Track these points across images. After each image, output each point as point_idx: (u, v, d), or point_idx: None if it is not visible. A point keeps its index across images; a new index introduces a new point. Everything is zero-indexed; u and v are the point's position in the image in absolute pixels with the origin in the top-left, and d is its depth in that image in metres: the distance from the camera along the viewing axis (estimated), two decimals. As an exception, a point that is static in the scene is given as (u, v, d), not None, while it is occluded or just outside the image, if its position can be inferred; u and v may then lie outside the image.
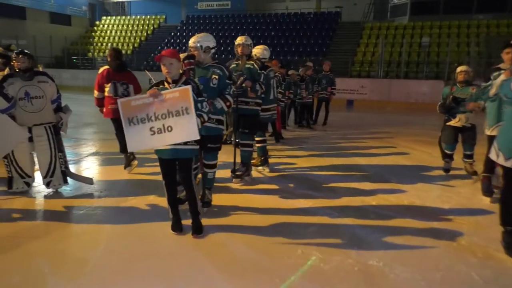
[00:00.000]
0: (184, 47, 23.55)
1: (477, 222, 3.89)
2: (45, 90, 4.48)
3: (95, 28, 27.14)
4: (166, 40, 24.44)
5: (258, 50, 5.51)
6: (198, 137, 3.36)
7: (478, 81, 5.68)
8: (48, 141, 4.51)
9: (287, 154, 6.71)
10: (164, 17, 27.23)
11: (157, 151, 3.55)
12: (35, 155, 4.62)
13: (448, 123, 5.51)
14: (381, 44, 18.15)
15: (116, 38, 25.81)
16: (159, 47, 23.94)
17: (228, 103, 3.96)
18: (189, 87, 3.31)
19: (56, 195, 4.59)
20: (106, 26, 27.18)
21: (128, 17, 27.87)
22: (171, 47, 23.72)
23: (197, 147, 3.54)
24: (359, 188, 4.92)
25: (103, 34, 26.40)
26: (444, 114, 5.60)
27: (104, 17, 28.08)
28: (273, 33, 23.39)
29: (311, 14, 25.00)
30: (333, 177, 5.42)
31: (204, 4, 29.07)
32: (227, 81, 3.99)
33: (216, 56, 21.51)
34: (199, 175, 4.44)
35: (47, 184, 4.59)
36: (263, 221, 3.85)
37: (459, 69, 5.56)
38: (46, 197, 4.52)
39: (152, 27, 26.32)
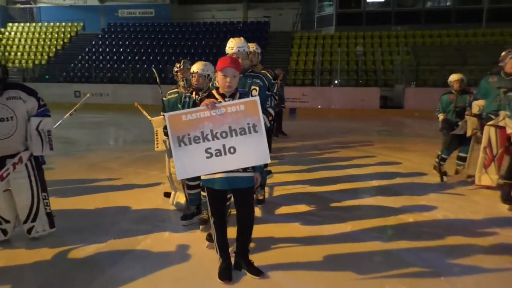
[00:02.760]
0: (108, 57, 21.93)
1: (527, 233, 3.80)
2: (16, 109, 3.38)
3: (0, 35, 24.07)
4: (87, 49, 22.52)
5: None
6: (269, 160, 2.77)
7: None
8: (28, 177, 3.48)
9: (272, 169, 6.23)
10: (81, 24, 25.11)
11: (207, 181, 2.87)
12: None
13: (451, 132, 5.63)
14: (318, 53, 18.59)
15: (27, 46, 23.18)
16: (79, 56, 22.00)
17: (270, 118, 3.41)
18: (257, 98, 2.71)
19: (42, 241, 3.59)
20: (13, 33, 24.27)
21: (40, 24, 25.19)
22: (94, 57, 21.93)
23: (253, 173, 2.93)
24: (381, 205, 4.63)
25: (10, 42, 23.53)
26: (448, 130, 5.69)
27: (10, 24, 25.06)
28: (203, 42, 22.80)
29: (240, 23, 24.89)
30: (344, 194, 5.08)
31: (126, 12, 27.42)
32: (267, 92, 3.43)
33: (146, 66, 20.62)
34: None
35: (29, 231, 3.56)
36: (315, 254, 3.34)
37: (453, 77, 5.65)
38: (30, 246, 3.50)
39: (69, 35, 24.08)
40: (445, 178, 5.65)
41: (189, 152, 2.71)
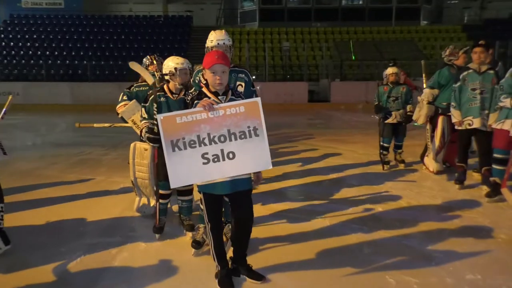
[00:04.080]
0: (13, 52, 19.75)
1: (486, 213, 4.11)
2: None
3: None
4: (-13, 43, 20.07)
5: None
6: (270, 166, 2.63)
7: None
8: None
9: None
10: (-22, 15, 22.32)
11: (205, 187, 2.66)
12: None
13: (386, 121, 5.97)
14: (246, 49, 18.64)
15: None
16: (-21, 52, 19.53)
17: None
18: (258, 99, 2.57)
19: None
20: None
21: None
22: (-4, 52, 19.63)
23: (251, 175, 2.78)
24: (347, 197, 4.72)
25: None
26: (379, 113, 6.05)
27: None
28: (122, 37, 21.59)
29: (161, 18, 24.03)
30: (309, 187, 5.15)
31: (30, 2, 24.98)
32: (252, 88, 3.27)
33: (59, 62, 18.92)
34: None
35: None
36: (305, 251, 3.29)
37: (389, 70, 6.07)
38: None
39: (-37, 28, 21.25)
40: (386, 167, 5.98)
41: (184, 158, 2.49)
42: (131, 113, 4.04)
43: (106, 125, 4.64)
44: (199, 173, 2.51)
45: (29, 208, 4.34)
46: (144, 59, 3.98)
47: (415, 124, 6.02)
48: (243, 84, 3.21)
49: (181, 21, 23.72)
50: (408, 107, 5.90)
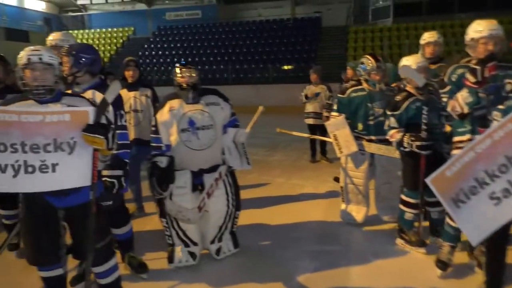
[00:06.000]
0: (161, 60, 21.86)
1: None
2: (215, 116, 3.08)
3: (55, 44, 24.50)
4: (140, 53, 22.53)
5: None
6: None
7: None
8: (225, 194, 3.15)
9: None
10: (132, 29, 25.26)
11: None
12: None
13: None
14: (386, 47, 17.76)
15: (82, 53, 23.41)
16: (134, 61, 22.03)
17: None
18: None
19: (226, 264, 3.14)
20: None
21: (92, 30, 25.50)
22: (147, 60, 21.95)
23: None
24: None
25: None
26: None
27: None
28: (255, 41, 22.36)
29: (290, 21, 24.26)
30: None
31: (173, 15, 27.41)
32: (519, 85, 2.80)
33: (199, 67, 20.34)
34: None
35: (217, 252, 3.19)
36: None
37: None
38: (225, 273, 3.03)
39: (121, 40, 24.24)
40: None
41: (472, 209, 2.16)
42: (332, 127, 3.80)
43: (305, 135, 4.57)
44: (494, 216, 2.13)
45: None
46: (364, 59, 3.68)
47: None
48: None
49: (310, 23, 23.66)
50: None
